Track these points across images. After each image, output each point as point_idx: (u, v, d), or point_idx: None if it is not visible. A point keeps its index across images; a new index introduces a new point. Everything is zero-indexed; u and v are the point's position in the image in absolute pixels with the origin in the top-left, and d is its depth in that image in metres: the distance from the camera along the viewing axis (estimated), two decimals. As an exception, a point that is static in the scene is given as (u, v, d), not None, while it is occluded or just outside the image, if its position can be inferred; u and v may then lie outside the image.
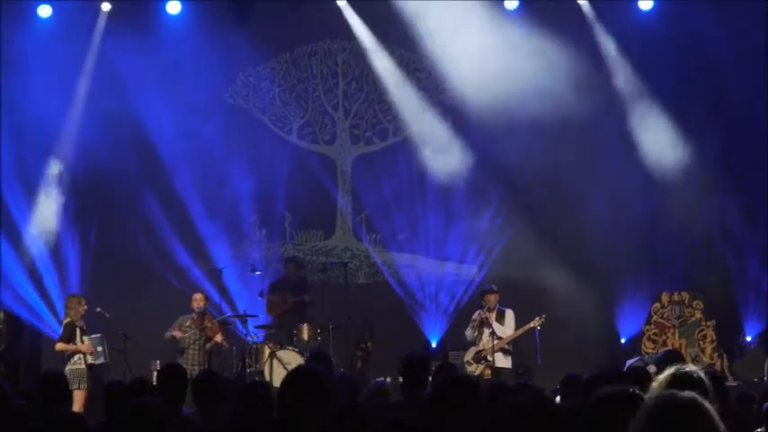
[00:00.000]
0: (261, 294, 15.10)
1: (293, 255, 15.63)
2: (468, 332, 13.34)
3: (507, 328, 13.16)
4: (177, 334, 13.66)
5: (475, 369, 12.99)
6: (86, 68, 15.29)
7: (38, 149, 15.26)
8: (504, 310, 13.27)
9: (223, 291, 14.55)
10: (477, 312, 13.31)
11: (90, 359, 12.90)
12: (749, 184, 15.15)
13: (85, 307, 13.10)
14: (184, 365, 11.74)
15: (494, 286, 13.46)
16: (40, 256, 15.22)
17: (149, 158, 15.26)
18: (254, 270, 14.95)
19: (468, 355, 13.28)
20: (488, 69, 15.29)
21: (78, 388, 12.47)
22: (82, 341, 12.90)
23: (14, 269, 14.96)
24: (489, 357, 13.02)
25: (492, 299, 13.28)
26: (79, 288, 14.74)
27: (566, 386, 6.03)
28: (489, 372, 12.88)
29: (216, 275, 14.74)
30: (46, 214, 15.28)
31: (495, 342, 12.98)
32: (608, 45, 15.57)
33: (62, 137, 15.30)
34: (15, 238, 15.05)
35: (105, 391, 6.95)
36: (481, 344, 13.17)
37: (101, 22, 15.36)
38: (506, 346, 13.14)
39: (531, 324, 13.10)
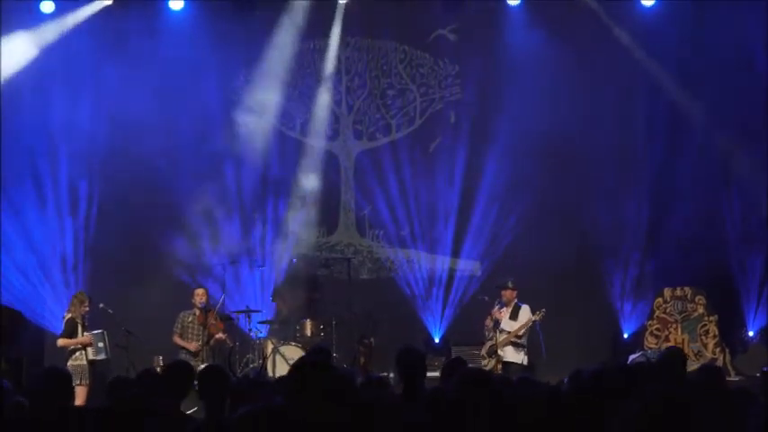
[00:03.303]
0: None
1: (304, 252, 15.63)
2: (485, 331, 13.44)
3: (518, 323, 13.20)
4: (192, 346, 13.61)
5: (487, 363, 13.11)
6: (88, 64, 15.27)
7: (40, 145, 15.27)
8: (520, 305, 13.31)
9: (226, 286, 14.54)
10: (491, 313, 13.36)
11: (91, 355, 12.89)
12: (752, 179, 15.14)
13: (87, 308, 13.10)
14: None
15: (509, 283, 13.42)
16: (43, 252, 15.24)
17: (151, 154, 15.22)
18: (257, 266, 15.00)
19: (483, 350, 13.41)
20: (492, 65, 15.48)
21: (80, 384, 12.47)
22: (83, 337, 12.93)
23: (17, 264, 14.97)
24: (499, 352, 13.10)
25: (507, 294, 13.33)
26: (82, 283, 14.77)
27: (574, 381, 6.02)
28: (500, 366, 12.95)
29: (219, 271, 14.75)
30: (50, 210, 15.31)
31: (503, 337, 13.08)
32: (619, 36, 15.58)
33: (64, 133, 15.29)
34: (18, 234, 15.05)
35: (109, 386, 6.94)
36: (495, 338, 13.26)
37: (104, 18, 15.35)
38: (519, 341, 13.15)
39: (532, 318, 13.14)
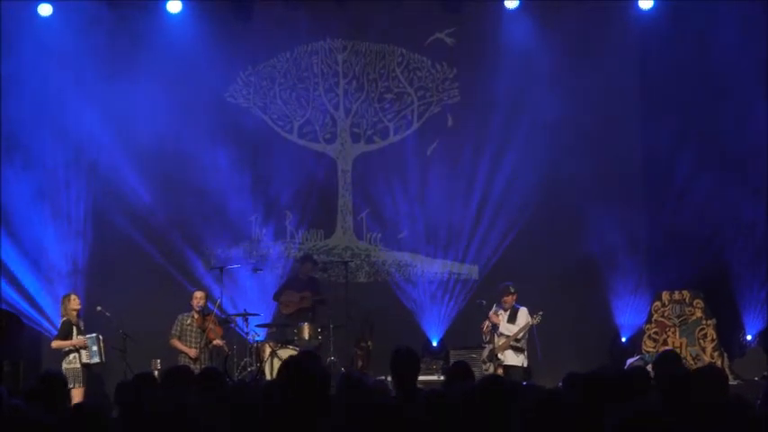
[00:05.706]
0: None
1: (310, 254, 15.60)
2: (482, 335, 13.43)
3: (517, 326, 13.19)
4: (192, 353, 13.55)
5: (488, 368, 13.12)
6: (86, 67, 15.23)
7: (39, 151, 15.26)
8: (518, 308, 13.31)
9: (224, 289, 14.51)
10: (488, 317, 13.34)
11: (84, 358, 12.92)
12: (751, 181, 15.13)
13: (77, 306, 13.10)
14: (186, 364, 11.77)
15: (511, 288, 13.40)
16: (41, 254, 15.23)
17: (150, 156, 15.27)
18: (255, 269, 15.00)
19: (484, 354, 13.42)
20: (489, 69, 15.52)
21: (74, 387, 12.49)
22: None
23: (15, 267, 14.96)
24: (500, 356, 13.10)
25: (508, 300, 13.32)
26: (80, 287, 14.75)
27: (568, 384, 6.02)
28: (501, 371, 12.94)
29: (216, 274, 14.73)
30: (50, 214, 15.31)
31: (503, 341, 13.10)
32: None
33: (62, 138, 15.27)
34: (16, 236, 15.04)
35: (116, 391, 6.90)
36: (494, 342, 13.25)
37: (101, 21, 15.32)
38: (518, 345, 13.16)
39: (531, 321, 13.14)
